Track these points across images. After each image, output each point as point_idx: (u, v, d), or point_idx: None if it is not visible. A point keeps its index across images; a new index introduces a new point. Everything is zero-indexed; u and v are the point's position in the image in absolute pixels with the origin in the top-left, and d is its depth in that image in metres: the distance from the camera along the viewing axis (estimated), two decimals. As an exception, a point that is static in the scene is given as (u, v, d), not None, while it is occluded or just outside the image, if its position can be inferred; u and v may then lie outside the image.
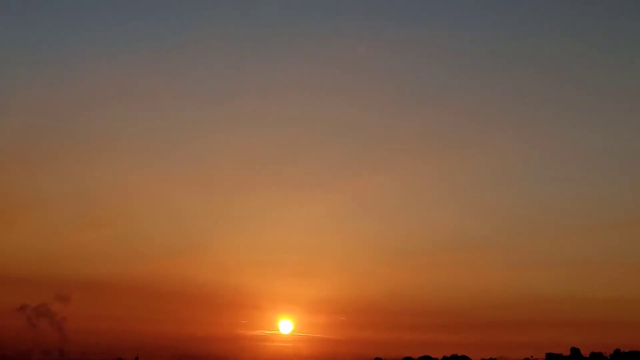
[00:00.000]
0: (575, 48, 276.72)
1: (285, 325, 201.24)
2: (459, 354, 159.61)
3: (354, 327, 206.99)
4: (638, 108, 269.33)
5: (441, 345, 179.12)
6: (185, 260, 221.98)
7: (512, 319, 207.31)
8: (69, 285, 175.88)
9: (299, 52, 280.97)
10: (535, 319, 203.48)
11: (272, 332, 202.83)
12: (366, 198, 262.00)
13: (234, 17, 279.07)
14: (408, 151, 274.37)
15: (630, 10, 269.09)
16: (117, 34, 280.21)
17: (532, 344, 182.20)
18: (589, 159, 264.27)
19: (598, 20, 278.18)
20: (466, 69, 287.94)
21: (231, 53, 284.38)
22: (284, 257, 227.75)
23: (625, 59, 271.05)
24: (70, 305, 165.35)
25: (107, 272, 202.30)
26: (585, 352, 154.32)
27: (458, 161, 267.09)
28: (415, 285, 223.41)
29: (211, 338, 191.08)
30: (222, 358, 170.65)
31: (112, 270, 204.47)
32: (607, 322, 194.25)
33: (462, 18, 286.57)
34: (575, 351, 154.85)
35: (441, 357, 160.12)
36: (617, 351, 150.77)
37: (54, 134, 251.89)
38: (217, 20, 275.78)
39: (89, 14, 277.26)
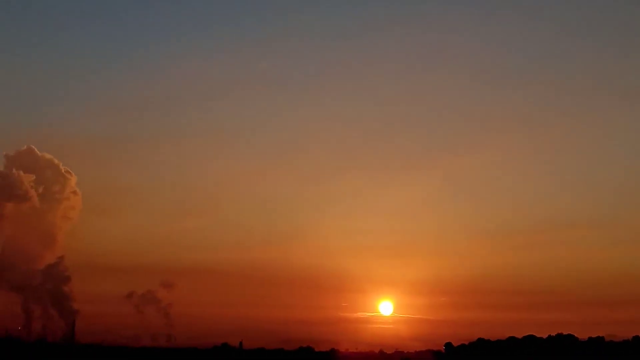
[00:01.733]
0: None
1: (386, 307, 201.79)
2: (565, 332, 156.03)
3: (455, 308, 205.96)
4: None
5: (546, 324, 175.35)
6: (284, 246, 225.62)
7: (618, 296, 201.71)
8: (173, 273, 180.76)
9: (385, 36, 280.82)
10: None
11: (372, 314, 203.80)
12: (462, 177, 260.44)
13: (316, 7, 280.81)
14: (502, 128, 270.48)
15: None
16: (211, 33, 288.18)
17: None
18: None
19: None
20: (561, 40, 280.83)
21: (313, 38, 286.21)
22: (382, 239, 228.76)
23: None
24: (175, 291, 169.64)
25: (210, 259, 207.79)
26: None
27: (556, 136, 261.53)
28: (516, 264, 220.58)
29: (313, 321, 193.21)
30: (324, 341, 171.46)
31: (215, 257, 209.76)
32: None
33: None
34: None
35: (546, 337, 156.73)
36: None
37: (156, 127, 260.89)
38: (299, 11, 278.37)
39: (176, 14, 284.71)
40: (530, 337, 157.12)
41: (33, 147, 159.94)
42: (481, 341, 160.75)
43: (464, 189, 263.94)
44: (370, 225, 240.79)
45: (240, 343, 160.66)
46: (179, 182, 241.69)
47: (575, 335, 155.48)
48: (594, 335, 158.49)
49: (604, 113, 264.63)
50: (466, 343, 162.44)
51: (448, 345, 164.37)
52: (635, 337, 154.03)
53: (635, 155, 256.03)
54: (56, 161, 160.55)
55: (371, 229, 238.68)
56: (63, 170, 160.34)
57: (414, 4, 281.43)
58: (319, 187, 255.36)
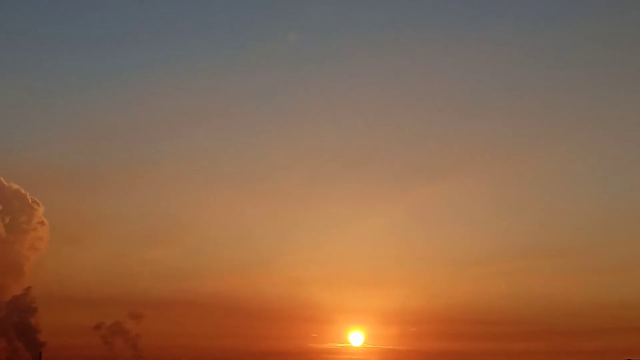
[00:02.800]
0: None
1: (356, 338, 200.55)
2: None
3: (425, 338, 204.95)
4: None
5: (516, 354, 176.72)
6: (253, 276, 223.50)
7: (589, 325, 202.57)
8: (141, 303, 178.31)
9: (356, 64, 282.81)
10: (614, 325, 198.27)
11: (343, 345, 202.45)
12: (434, 206, 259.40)
13: (295, 35, 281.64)
14: (476, 157, 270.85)
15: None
16: (183, 59, 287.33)
17: (610, 350, 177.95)
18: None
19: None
20: (533, 69, 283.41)
21: (293, 72, 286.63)
22: (353, 269, 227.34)
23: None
24: (143, 322, 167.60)
25: (179, 289, 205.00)
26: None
27: (526, 165, 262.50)
28: (488, 293, 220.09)
29: (282, 352, 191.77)
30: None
31: (183, 287, 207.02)
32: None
33: (535, 15, 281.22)
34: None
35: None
36: None
37: (124, 156, 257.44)
38: (280, 39, 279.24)
39: (158, 39, 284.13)
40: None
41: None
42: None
43: (434, 218, 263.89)
44: (340, 254, 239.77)
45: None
46: (147, 212, 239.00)
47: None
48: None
49: (574, 143, 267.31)
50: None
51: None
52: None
53: (606, 184, 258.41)
54: (23, 191, 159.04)
55: (341, 258, 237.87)
56: (30, 201, 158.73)
57: (387, 32, 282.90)
58: (288, 216, 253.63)
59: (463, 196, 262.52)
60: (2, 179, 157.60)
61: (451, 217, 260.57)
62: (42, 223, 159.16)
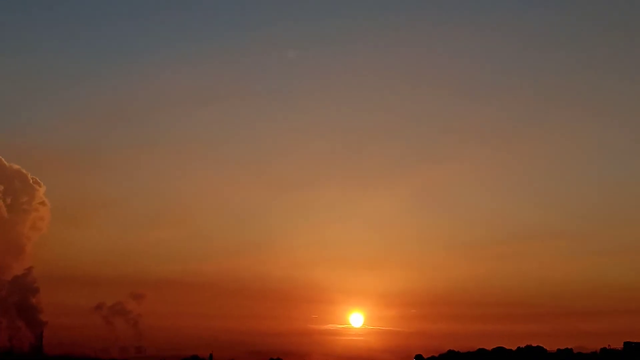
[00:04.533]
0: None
1: (356, 319, 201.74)
2: (534, 344, 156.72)
3: (425, 320, 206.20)
4: None
5: (515, 336, 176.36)
6: (256, 257, 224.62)
7: (587, 308, 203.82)
8: (143, 284, 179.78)
9: (360, 50, 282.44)
10: (612, 307, 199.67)
11: (343, 326, 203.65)
12: (435, 189, 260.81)
13: (298, 17, 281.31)
14: (476, 140, 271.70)
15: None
16: (185, 39, 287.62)
17: (609, 332, 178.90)
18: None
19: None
20: (536, 53, 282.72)
21: (298, 56, 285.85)
22: (354, 251, 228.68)
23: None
24: (144, 303, 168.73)
25: (180, 270, 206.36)
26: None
27: (529, 148, 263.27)
28: (487, 276, 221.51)
29: (283, 333, 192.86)
30: (294, 353, 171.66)
31: (185, 268, 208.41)
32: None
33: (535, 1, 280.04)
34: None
35: (515, 348, 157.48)
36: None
37: (126, 137, 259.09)
38: (280, 21, 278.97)
39: (157, 19, 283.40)
40: (500, 349, 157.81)
41: (0, 157, 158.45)
42: (451, 353, 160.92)
43: (435, 200, 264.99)
44: (342, 236, 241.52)
45: (210, 355, 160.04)
46: (149, 193, 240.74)
47: (544, 347, 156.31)
48: (562, 347, 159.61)
49: (575, 127, 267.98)
50: (436, 355, 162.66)
51: (418, 357, 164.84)
52: (603, 350, 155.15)
53: (607, 167, 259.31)
54: (24, 171, 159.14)
55: (342, 240, 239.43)
56: (31, 181, 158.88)
57: (390, 17, 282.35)
58: (291, 198, 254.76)
59: (463, 180, 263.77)
60: (3, 159, 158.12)
61: (451, 200, 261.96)
62: (43, 203, 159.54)
